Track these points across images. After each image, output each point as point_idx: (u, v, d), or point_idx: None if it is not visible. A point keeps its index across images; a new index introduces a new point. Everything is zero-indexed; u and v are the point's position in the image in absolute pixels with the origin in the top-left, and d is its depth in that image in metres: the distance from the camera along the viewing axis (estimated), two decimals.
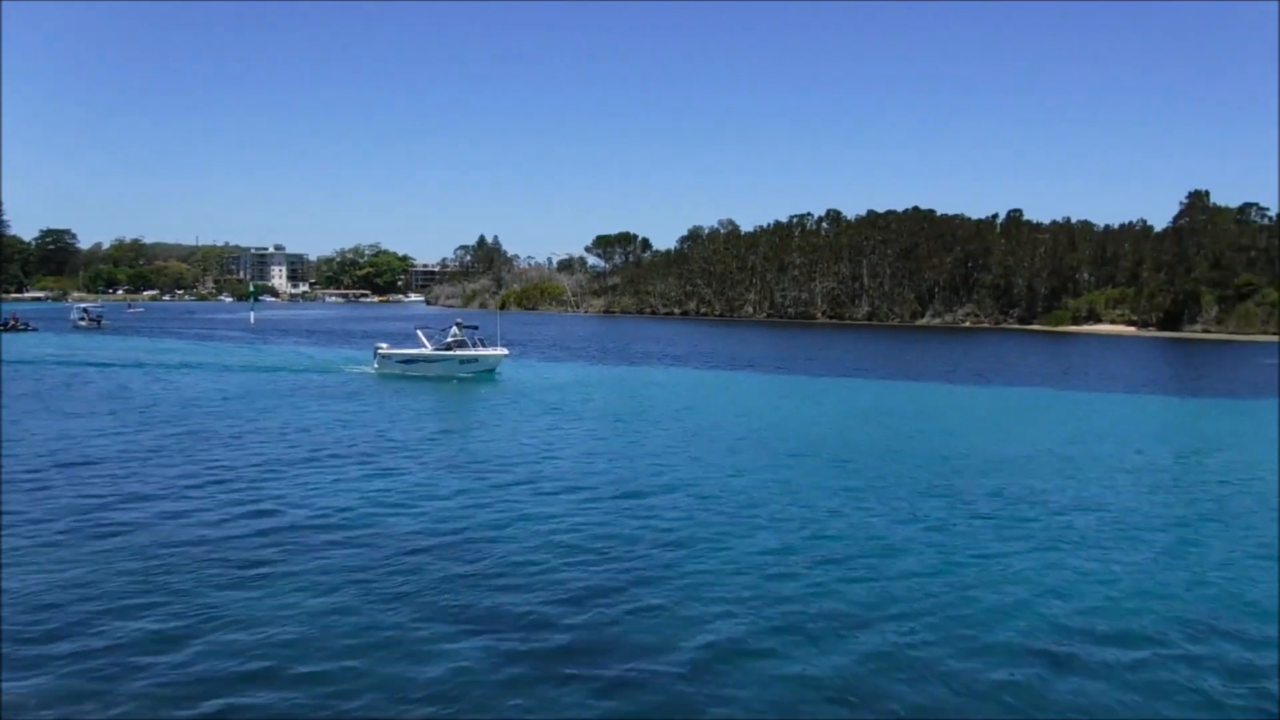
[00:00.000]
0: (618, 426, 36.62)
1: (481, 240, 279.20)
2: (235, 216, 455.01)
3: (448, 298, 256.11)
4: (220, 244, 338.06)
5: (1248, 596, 16.43)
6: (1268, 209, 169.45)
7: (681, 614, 15.18)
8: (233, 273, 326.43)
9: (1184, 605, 15.78)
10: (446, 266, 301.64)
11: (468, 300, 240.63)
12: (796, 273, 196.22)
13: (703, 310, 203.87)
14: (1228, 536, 20.58)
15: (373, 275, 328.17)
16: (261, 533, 20.07)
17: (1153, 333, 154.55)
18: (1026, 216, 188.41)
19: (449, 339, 56.66)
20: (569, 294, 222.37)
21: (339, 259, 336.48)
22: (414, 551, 18.74)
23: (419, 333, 59.01)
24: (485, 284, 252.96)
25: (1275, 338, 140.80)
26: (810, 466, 28.42)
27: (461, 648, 13.93)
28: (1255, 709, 12.21)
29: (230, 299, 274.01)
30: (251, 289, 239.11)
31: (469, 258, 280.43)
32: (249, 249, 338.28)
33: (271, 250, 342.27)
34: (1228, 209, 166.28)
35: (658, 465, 28.22)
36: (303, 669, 13.17)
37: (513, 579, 16.93)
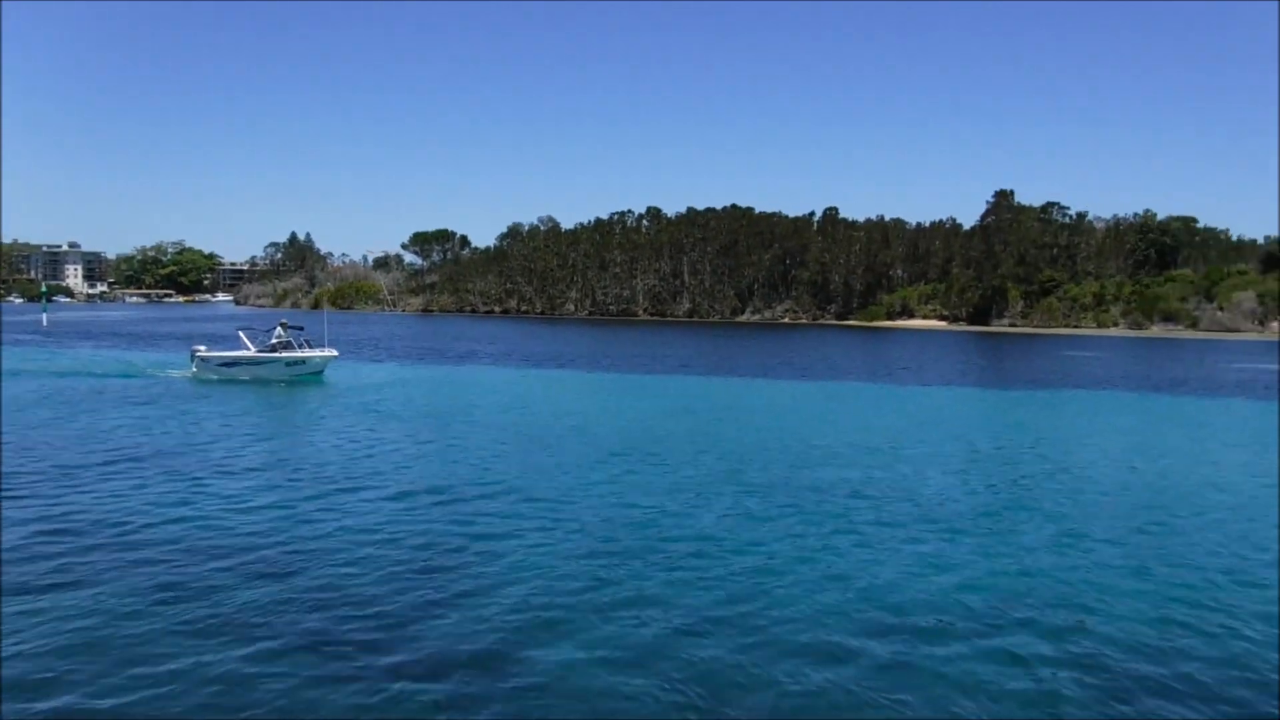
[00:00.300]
0: (440, 428, 34.96)
1: (293, 237, 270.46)
2: (24, 212, 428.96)
3: (258, 297, 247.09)
4: (9, 241, 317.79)
5: (1054, 579, 16.84)
6: (1068, 208, 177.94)
7: (508, 621, 14.49)
8: (22, 272, 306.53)
9: (999, 593, 15.99)
10: (256, 265, 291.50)
11: (279, 300, 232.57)
12: (618, 270, 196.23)
13: (524, 308, 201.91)
14: (1034, 525, 20.94)
15: (177, 274, 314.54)
16: (51, 549, 17.57)
17: (963, 327, 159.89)
18: (842, 215, 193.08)
19: (273, 340, 53.70)
20: (386, 293, 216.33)
21: (140, 257, 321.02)
22: (226, 568, 16.75)
23: (241, 334, 55.59)
24: (298, 283, 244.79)
25: (1075, 331, 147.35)
26: (634, 464, 27.76)
27: (277, 671, 12.61)
28: (1052, 694, 12.27)
29: (20, 300, 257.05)
30: (43, 289, 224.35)
31: (280, 255, 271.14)
32: (40, 246, 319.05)
33: (65, 248, 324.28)
34: (1031, 208, 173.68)
35: (481, 467, 26.98)
36: (103, 704, 11.43)
37: (331, 594, 15.60)
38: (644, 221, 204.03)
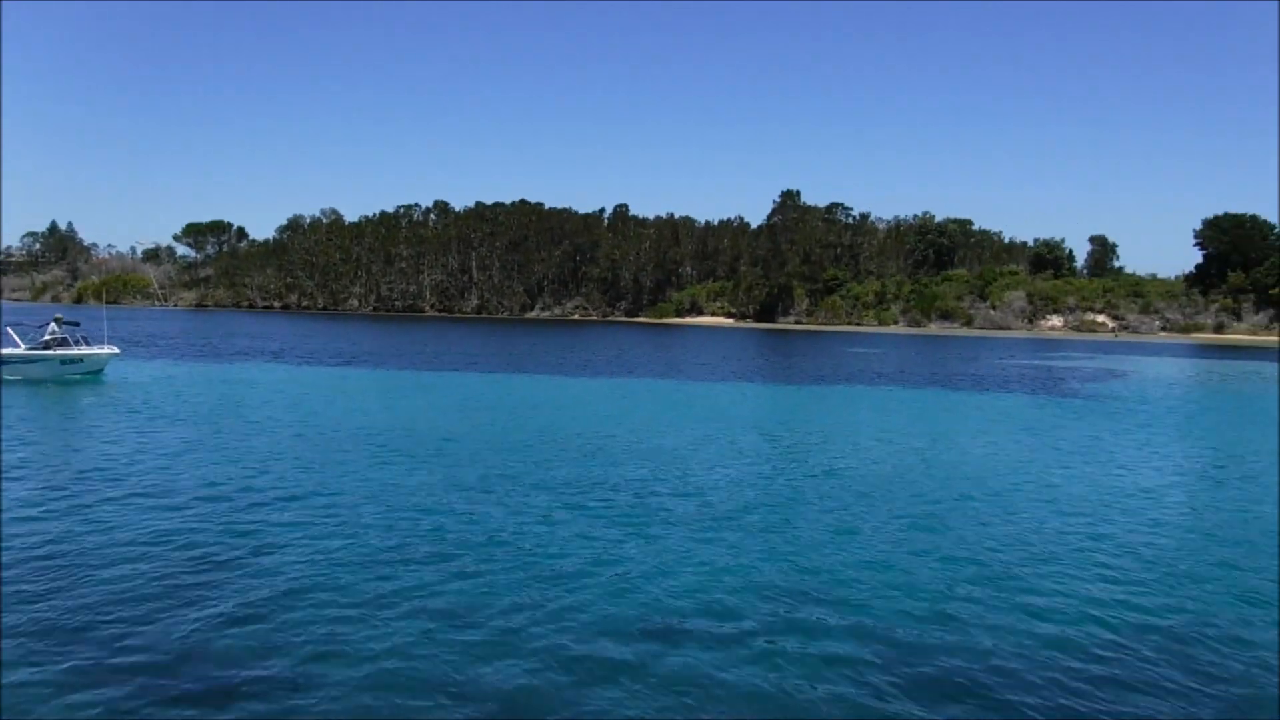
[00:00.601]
0: (217, 429, 32.33)
1: (53, 227, 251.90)
2: None
3: (13, 291, 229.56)
4: None
5: (829, 566, 17.09)
6: (851, 209, 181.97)
7: (284, 621, 13.82)
8: None
9: (774, 583, 16.00)
10: (11, 256, 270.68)
11: (37, 294, 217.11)
12: (404, 265, 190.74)
13: (305, 304, 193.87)
14: (810, 518, 20.92)
15: None
16: None
17: (750, 324, 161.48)
18: (633, 212, 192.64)
19: (47, 336, 48.50)
20: (156, 286, 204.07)
21: None
22: None
23: (9, 331, 49.66)
24: (59, 275, 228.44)
25: (857, 328, 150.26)
26: (419, 464, 26.56)
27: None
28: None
29: None
30: None
31: (38, 246, 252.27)
32: None
33: None
34: (816, 208, 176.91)
35: (260, 468, 25.35)
36: None
37: (85, 616, 13.94)
38: (431, 215, 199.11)
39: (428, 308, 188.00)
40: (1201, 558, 18.25)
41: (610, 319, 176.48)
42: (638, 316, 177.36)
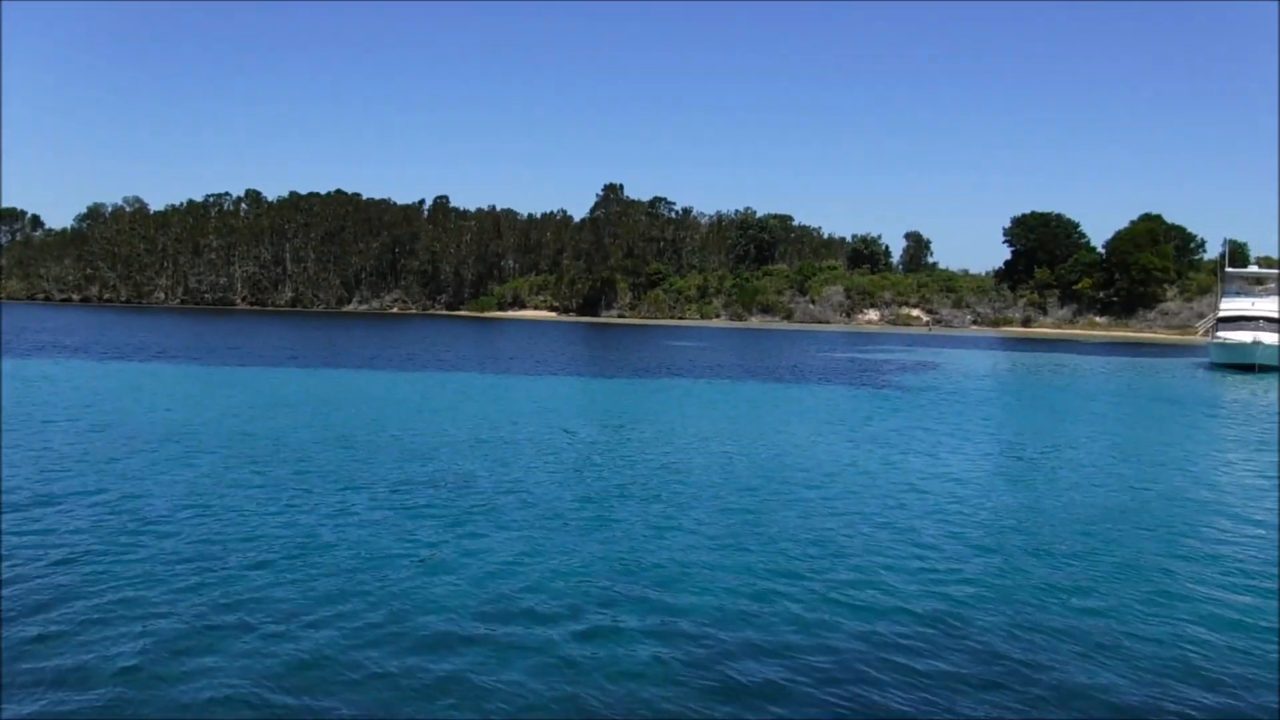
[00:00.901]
0: (9, 427, 29.84)
1: None
2: None
3: None
4: None
5: (647, 563, 16.78)
6: (674, 203, 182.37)
7: (89, 636, 12.78)
8: None
9: (595, 580, 15.75)
10: None
11: None
12: (214, 256, 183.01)
13: (107, 296, 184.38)
14: (632, 513, 20.59)
15: None
16: None
17: (573, 318, 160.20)
18: (453, 204, 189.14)
19: None
20: None
21: None
22: None
23: None
24: None
25: (680, 321, 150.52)
26: (231, 464, 25.00)
27: None
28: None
29: None
30: None
31: None
32: None
33: None
34: (639, 202, 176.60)
35: (53, 472, 23.31)
36: None
37: None
38: (243, 205, 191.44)
39: (239, 300, 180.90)
40: (1012, 545, 18.47)
41: (431, 312, 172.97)
42: (459, 310, 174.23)
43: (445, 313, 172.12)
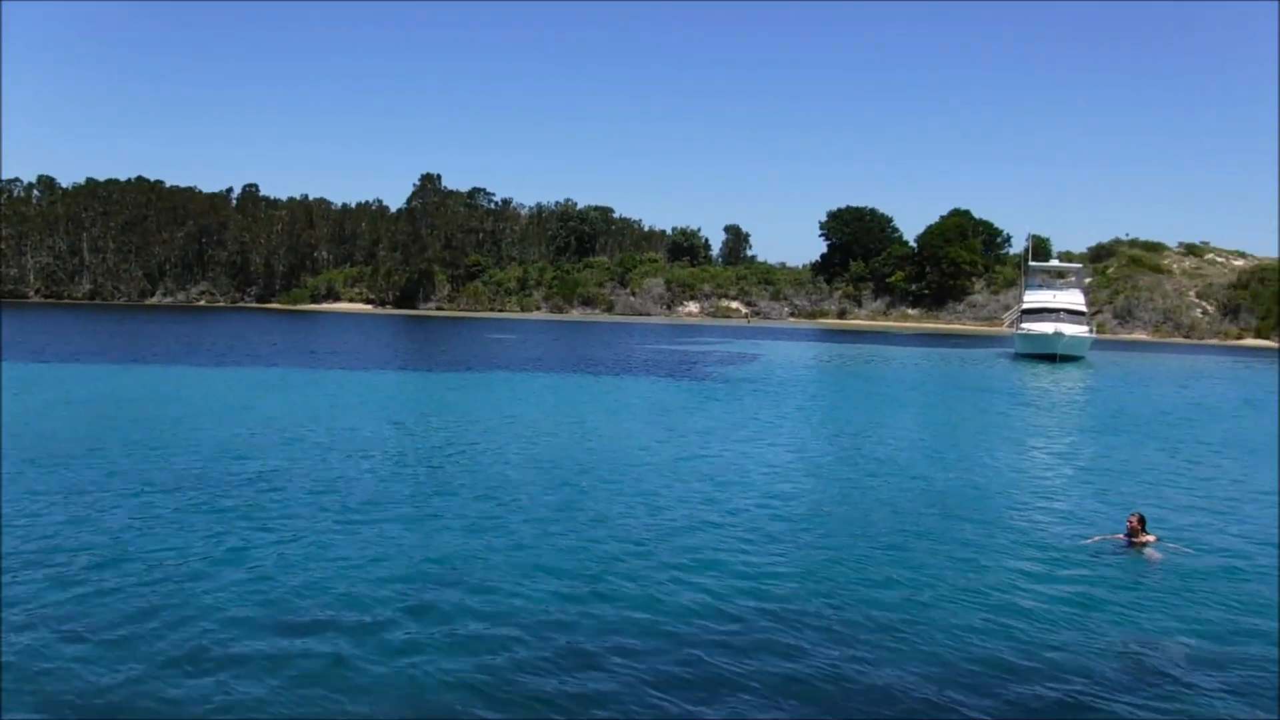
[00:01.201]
0: None
1: None
2: None
3: None
4: None
5: (470, 558, 16.61)
6: (494, 194, 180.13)
7: None
8: None
9: (417, 575, 15.56)
10: None
11: None
12: (3, 246, 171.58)
13: None
14: (454, 507, 20.46)
15: None
16: None
17: (390, 311, 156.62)
18: (263, 193, 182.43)
19: None
20: None
21: None
22: None
23: None
24: None
25: (500, 314, 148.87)
26: (18, 466, 23.62)
27: None
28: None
29: None
30: None
31: None
32: None
33: None
34: (458, 192, 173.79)
35: None
36: None
37: None
38: (35, 192, 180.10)
39: (32, 293, 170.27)
40: (836, 527, 18.97)
41: (241, 305, 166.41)
42: (270, 303, 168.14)
43: (256, 305, 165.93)
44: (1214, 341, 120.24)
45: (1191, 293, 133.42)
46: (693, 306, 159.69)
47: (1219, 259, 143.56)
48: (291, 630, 13.18)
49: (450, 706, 11.05)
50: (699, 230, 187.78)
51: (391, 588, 14.88)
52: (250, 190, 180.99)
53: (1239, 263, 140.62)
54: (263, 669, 11.95)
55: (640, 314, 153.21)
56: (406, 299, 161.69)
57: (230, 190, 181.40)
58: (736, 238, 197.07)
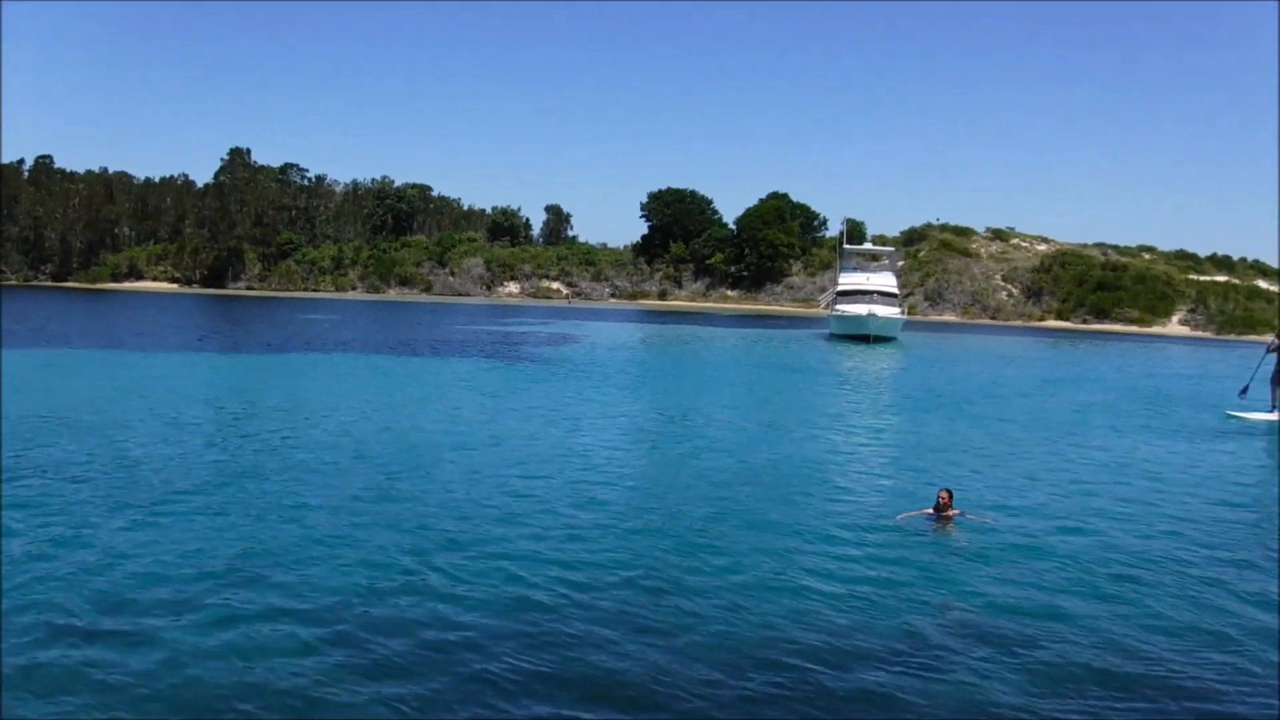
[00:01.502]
0: None
1: None
2: None
3: None
4: None
5: (283, 548, 15.78)
6: (307, 170, 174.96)
7: None
8: None
9: (222, 567, 14.71)
10: None
11: None
12: None
13: None
14: (265, 495, 19.54)
15: None
16: None
17: (197, 290, 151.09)
18: (59, 165, 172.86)
19: None
20: None
21: None
22: None
23: None
24: None
25: (314, 294, 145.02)
26: None
27: None
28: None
29: None
30: None
31: None
32: None
33: None
34: (269, 168, 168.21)
35: None
36: None
37: None
38: None
39: None
40: (653, 510, 18.89)
41: (35, 284, 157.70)
42: (67, 281, 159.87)
43: (51, 284, 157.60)
44: (1018, 323, 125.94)
45: (998, 276, 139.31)
46: (513, 287, 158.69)
47: (1024, 244, 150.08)
48: (83, 629, 12.21)
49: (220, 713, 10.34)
50: (520, 210, 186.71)
51: (191, 583, 14.01)
52: (44, 162, 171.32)
53: (1042, 247, 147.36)
54: (43, 670, 11.09)
55: (460, 294, 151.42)
56: (215, 278, 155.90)
57: (22, 161, 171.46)
58: (558, 218, 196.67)
